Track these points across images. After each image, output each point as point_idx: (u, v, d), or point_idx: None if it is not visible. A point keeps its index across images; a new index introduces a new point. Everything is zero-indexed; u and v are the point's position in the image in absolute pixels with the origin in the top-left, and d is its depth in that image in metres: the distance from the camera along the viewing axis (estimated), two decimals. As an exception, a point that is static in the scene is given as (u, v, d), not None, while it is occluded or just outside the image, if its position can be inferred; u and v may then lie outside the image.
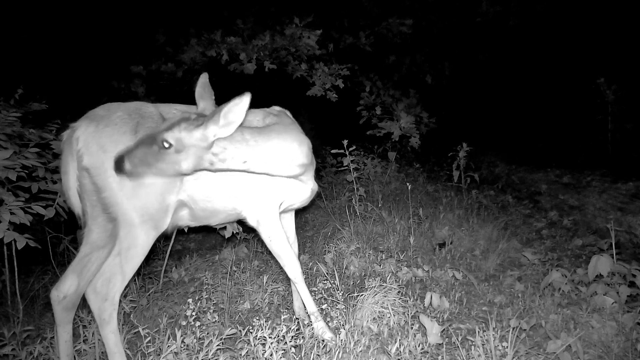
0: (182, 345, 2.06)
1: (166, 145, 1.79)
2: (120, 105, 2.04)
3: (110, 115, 1.96)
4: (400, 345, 2.11)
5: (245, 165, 1.97)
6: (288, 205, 2.41)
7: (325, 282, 2.71)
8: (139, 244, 1.96)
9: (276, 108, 2.43)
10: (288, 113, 2.42)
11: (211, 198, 2.18)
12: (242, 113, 1.81)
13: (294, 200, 2.40)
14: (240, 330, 2.18)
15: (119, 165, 1.77)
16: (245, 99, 1.78)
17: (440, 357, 2.18)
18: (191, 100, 2.10)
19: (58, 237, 3.26)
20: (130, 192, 1.92)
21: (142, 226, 1.96)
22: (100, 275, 1.95)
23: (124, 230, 1.93)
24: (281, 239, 2.30)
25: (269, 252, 2.40)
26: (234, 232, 3.29)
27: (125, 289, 2.07)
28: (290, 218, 2.67)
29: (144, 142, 1.81)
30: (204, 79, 2.07)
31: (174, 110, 2.11)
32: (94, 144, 1.89)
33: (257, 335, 2.06)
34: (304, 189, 2.38)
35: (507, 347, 2.05)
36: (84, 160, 1.90)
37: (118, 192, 1.91)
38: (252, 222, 2.30)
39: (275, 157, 2.04)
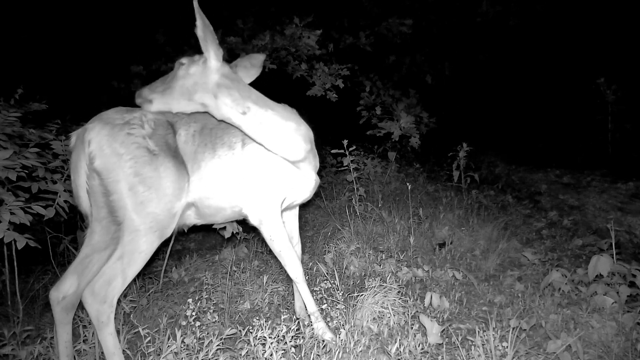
0: (182, 345, 2.06)
1: (183, 62, 2.10)
2: (134, 110, 2.09)
3: (124, 120, 1.99)
4: (400, 345, 2.11)
5: (243, 118, 2.09)
6: (291, 202, 2.41)
7: (326, 282, 2.71)
8: (142, 249, 1.96)
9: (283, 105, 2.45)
10: (294, 111, 2.43)
11: (215, 195, 2.19)
12: (202, 25, 2.02)
13: (296, 196, 2.40)
14: (240, 330, 2.18)
15: (139, 93, 2.11)
16: (198, 20, 2.01)
17: (440, 357, 2.18)
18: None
19: (58, 237, 3.26)
20: (140, 198, 1.92)
21: (148, 233, 1.96)
22: (100, 277, 1.94)
23: (129, 236, 1.93)
24: (283, 239, 2.30)
25: (269, 252, 2.40)
26: (234, 232, 3.30)
27: (125, 289, 2.07)
28: (293, 218, 2.66)
29: (166, 75, 2.18)
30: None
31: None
32: (107, 147, 1.91)
33: (257, 335, 2.06)
34: (307, 182, 2.38)
35: (507, 347, 2.05)
36: (95, 162, 1.90)
37: (127, 197, 1.91)
38: (253, 220, 2.30)
39: (273, 126, 2.14)
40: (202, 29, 2.01)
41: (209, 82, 2.07)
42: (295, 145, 2.21)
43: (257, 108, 2.11)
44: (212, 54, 2.07)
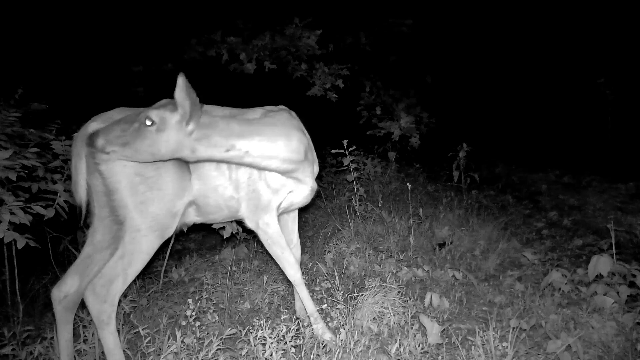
0: (182, 345, 2.06)
1: (148, 122, 1.80)
2: (135, 110, 2.04)
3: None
4: (400, 345, 2.11)
5: (228, 155, 1.97)
6: (288, 205, 2.41)
7: (326, 282, 2.71)
8: (143, 249, 1.96)
9: (281, 107, 2.42)
10: (292, 113, 2.40)
11: (213, 194, 2.18)
12: (182, 94, 1.80)
13: (293, 200, 2.39)
14: (240, 330, 2.19)
15: (92, 140, 1.78)
16: (178, 79, 1.80)
17: (440, 357, 2.18)
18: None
19: (58, 237, 3.26)
20: (141, 198, 1.92)
21: (149, 232, 1.96)
22: (101, 277, 1.94)
23: (130, 235, 1.93)
24: (280, 242, 2.30)
25: (269, 253, 2.40)
26: (234, 232, 3.30)
27: (125, 289, 2.07)
28: (293, 220, 2.66)
29: (125, 120, 1.83)
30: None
31: None
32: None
33: (257, 335, 2.06)
34: (302, 188, 2.36)
35: (507, 347, 2.05)
36: (96, 162, 1.90)
37: (129, 196, 1.91)
38: (250, 224, 2.30)
39: (260, 151, 2.03)
40: (184, 90, 1.81)
41: (184, 142, 1.87)
42: (285, 162, 2.14)
43: (241, 142, 1.97)
44: (191, 120, 1.85)
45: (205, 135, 1.89)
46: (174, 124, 1.83)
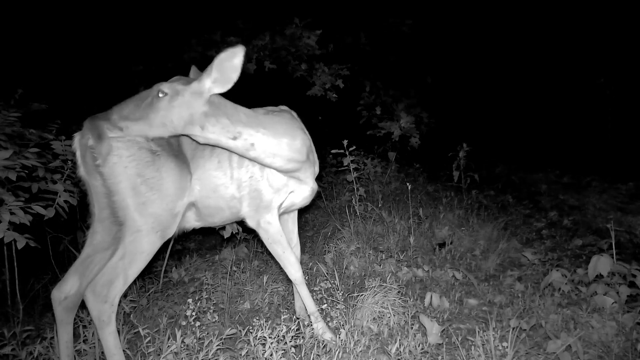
0: (182, 345, 2.06)
1: (161, 94, 1.85)
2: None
3: None
4: (400, 345, 2.11)
5: (233, 143, 1.98)
6: (289, 205, 2.41)
7: (326, 282, 2.71)
8: (144, 250, 1.96)
9: (282, 107, 2.43)
10: (294, 113, 2.41)
11: (214, 195, 2.18)
12: (236, 65, 1.84)
13: (294, 201, 2.40)
14: (240, 330, 2.19)
15: (109, 117, 1.83)
16: (238, 50, 1.81)
17: (440, 357, 2.18)
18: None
19: (58, 237, 3.26)
20: (143, 198, 1.92)
21: (150, 233, 1.96)
22: (101, 277, 1.94)
23: (131, 236, 1.93)
24: (281, 241, 2.30)
25: (269, 252, 2.40)
26: (234, 232, 3.30)
27: (125, 289, 2.07)
28: (293, 220, 2.66)
29: (138, 96, 1.89)
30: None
31: None
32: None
33: (257, 335, 2.06)
34: (303, 189, 2.36)
35: (507, 347, 2.05)
36: (97, 163, 1.89)
37: (130, 197, 1.91)
38: (251, 223, 2.30)
39: (265, 146, 2.04)
40: (227, 60, 1.84)
41: (195, 114, 1.90)
42: (289, 162, 2.14)
43: (248, 131, 1.98)
44: (208, 84, 1.88)
45: (214, 114, 1.92)
46: (187, 95, 1.87)
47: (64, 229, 3.31)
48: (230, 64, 1.85)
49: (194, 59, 5.30)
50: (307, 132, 2.34)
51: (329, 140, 4.45)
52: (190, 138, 2.04)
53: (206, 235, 4.48)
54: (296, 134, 2.17)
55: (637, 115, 7.89)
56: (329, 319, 2.42)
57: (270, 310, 2.80)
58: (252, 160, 2.12)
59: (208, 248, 4.21)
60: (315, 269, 3.34)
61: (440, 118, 6.68)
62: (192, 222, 2.27)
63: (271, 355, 1.99)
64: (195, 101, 1.89)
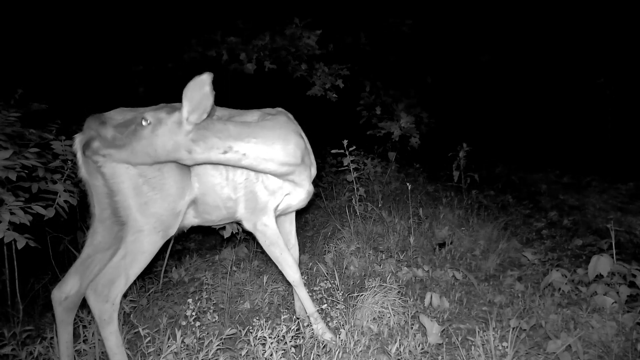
0: (182, 345, 2.06)
1: (144, 123, 1.80)
2: (136, 110, 2.04)
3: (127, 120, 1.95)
4: (400, 345, 2.11)
5: (224, 157, 1.95)
6: (285, 208, 2.41)
7: (326, 282, 2.70)
8: (146, 249, 1.96)
9: (279, 109, 2.42)
10: (290, 116, 2.40)
11: (211, 192, 2.18)
12: (206, 93, 1.77)
13: (290, 203, 2.39)
14: (240, 330, 2.19)
15: (88, 144, 1.79)
16: (204, 78, 1.75)
17: (440, 357, 2.18)
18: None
19: (58, 237, 3.26)
20: (145, 198, 1.92)
21: (151, 233, 1.96)
22: (102, 277, 1.94)
23: (132, 236, 1.93)
24: (278, 243, 2.29)
25: (268, 254, 2.40)
26: (234, 232, 3.29)
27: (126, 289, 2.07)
28: (290, 221, 2.66)
29: (122, 124, 1.85)
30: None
31: None
32: None
33: (257, 335, 2.06)
34: (299, 191, 2.36)
35: (507, 347, 2.05)
36: (99, 164, 1.90)
37: (132, 197, 1.91)
38: (248, 225, 2.30)
39: (257, 154, 2.01)
40: (197, 88, 1.76)
41: (181, 141, 1.84)
42: (282, 165, 2.13)
43: (238, 144, 1.95)
44: (191, 116, 1.81)
45: (202, 136, 1.86)
46: (170, 124, 1.82)
47: (64, 229, 3.31)
48: (199, 94, 1.77)
49: (194, 59, 5.30)
50: (303, 135, 2.33)
51: (329, 140, 4.45)
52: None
53: (206, 235, 4.48)
54: (290, 138, 2.15)
55: (637, 115, 7.90)
56: (329, 319, 2.42)
57: (270, 310, 2.80)
58: (246, 168, 2.11)
59: (208, 248, 4.21)
60: (315, 269, 3.34)
61: (440, 118, 6.68)
62: (191, 218, 2.26)
63: (271, 355, 1.99)
64: (179, 129, 1.83)
